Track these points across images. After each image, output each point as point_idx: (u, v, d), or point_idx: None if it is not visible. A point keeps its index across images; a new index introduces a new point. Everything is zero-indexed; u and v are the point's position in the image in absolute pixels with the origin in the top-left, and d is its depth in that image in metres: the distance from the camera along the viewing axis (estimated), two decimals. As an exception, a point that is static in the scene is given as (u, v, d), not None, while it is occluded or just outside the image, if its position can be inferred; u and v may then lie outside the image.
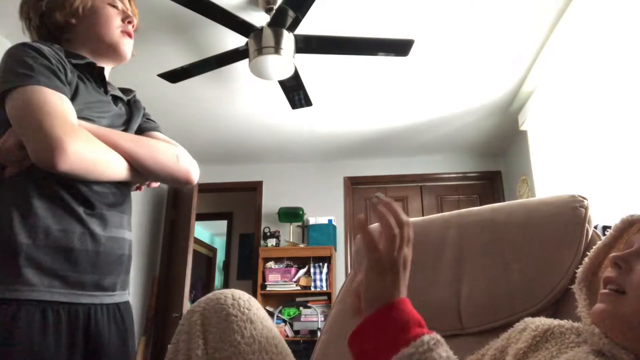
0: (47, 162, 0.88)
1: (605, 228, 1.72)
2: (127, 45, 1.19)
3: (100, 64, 1.15)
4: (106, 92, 1.14)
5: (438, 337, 0.56)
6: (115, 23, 1.16)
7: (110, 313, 1.04)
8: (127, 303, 1.13)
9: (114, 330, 1.04)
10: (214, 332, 0.79)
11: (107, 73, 1.18)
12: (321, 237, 4.25)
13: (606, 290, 0.61)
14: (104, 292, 1.02)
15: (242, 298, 0.84)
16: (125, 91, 1.25)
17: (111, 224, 1.05)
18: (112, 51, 1.17)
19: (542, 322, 0.73)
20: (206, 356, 0.77)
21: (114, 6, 1.17)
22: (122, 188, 1.10)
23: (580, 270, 0.69)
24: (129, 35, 1.19)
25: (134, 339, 1.13)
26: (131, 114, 1.19)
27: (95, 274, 1.00)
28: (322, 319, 3.94)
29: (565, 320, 0.72)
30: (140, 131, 1.21)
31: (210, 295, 0.85)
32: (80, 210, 0.99)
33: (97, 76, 1.13)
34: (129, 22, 1.19)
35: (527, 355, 0.69)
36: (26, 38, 1.15)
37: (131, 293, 4.06)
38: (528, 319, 0.77)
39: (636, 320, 0.57)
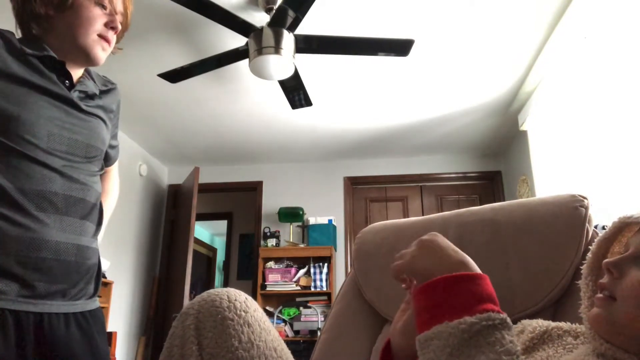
0: None
1: (605, 228, 1.72)
2: (101, 51, 1.11)
3: (68, 63, 1.10)
4: (70, 87, 1.09)
5: (508, 320, 0.53)
6: (95, 27, 1.08)
7: (71, 321, 1.02)
8: (94, 311, 1.10)
9: (77, 339, 1.01)
10: (210, 337, 0.74)
11: (77, 70, 1.13)
12: (321, 237, 4.25)
13: (600, 296, 0.61)
14: (56, 300, 1.00)
15: (239, 299, 0.79)
16: (107, 84, 1.22)
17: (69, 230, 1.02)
18: (82, 55, 1.10)
19: (540, 324, 0.73)
20: None
21: (102, 5, 1.09)
22: (76, 191, 1.06)
23: (585, 266, 0.69)
24: (107, 41, 1.12)
25: (105, 346, 1.10)
26: (100, 112, 1.15)
27: (50, 282, 0.98)
28: (322, 319, 3.94)
29: (564, 322, 0.72)
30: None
31: (204, 295, 0.80)
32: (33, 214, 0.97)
33: (60, 70, 1.07)
34: (112, 28, 1.11)
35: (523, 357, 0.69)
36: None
37: (131, 293, 4.06)
38: (525, 321, 0.76)
39: (628, 327, 0.57)
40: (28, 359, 0.93)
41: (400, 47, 2.45)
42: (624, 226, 0.66)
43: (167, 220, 4.69)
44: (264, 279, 4.15)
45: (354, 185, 4.71)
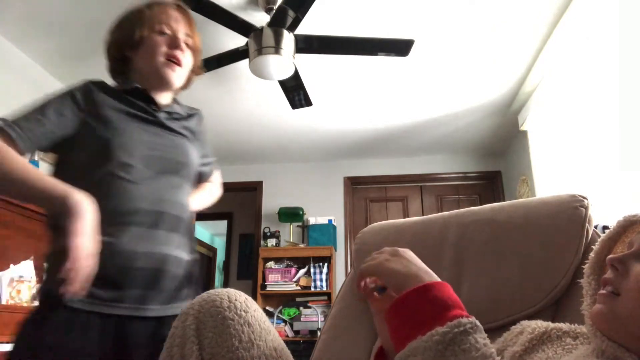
0: None
1: (605, 228, 1.72)
2: (171, 73, 1.21)
3: (155, 92, 1.22)
4: (154, 110, 1.21)
5: (477, 323, 0.54)
6: (160, 50, 1.19)
7: (149, 326, 1.08)
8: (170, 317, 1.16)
9: (151, 343, 1.07)
10: (210, 337, 0.74)
11: (164, 97, 1.25)
12: (321, 237, 4.25)
13: (604, 292, 0.61)
14: (138, 304, 1.07)
15: (239, 299, 0.79)
16: (191, 110, 1.35)
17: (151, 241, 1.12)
18: (157, 79, 1.21)
19: (539, 324, 0.73)
20: None
21: (162, 33, 1.20)
22: (166, 208, 1.15)
23: (587, 265, 0.69)
24: (176, 60, 1.21)
25: None
26: (187, 134, 1.27)
27: (142, 288, 1.08)
28: (322, 319, 3.94)
29: (564, 323, 0.72)
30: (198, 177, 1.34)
31: (204, 296, 0.80)
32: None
33: (146, 98, 1.21)
34: (176, 47, 1.20)
35: (522, 358, 0.69)
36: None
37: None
38: (524, 322, 0.76)
39: (631, 322, 0.57)
40: None
41: (400, 47, 2.45)
42: (628, 225, 0.66)
43: (167, 220, 4.68)
44: (264, 279, 4.15)
45: (354, 185, 4.71)
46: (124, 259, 1.05)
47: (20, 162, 0.99)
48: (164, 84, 1.22)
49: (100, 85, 1.19)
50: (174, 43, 1.21)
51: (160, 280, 1.10)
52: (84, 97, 1.14)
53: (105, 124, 1.12)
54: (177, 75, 1.23)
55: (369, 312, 1.10)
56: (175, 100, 1.32)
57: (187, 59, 1.24)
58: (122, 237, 1.06)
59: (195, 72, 1.32)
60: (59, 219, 0.98)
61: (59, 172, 1.13)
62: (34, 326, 0.99)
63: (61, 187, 0.99)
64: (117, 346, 1.03)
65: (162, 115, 1.22)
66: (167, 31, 1.21)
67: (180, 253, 1.16)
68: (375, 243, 1.16)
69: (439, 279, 0.61)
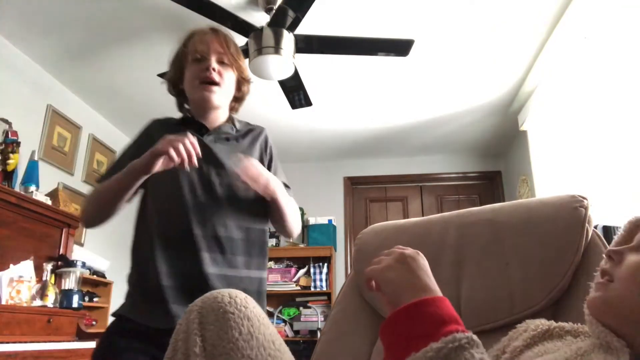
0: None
1: (605, 228, 1.72)
2: (207, 94, 1.29)
3: (206, 116, 1.33)
4: (202, 135, 1.30)
5: (474, 337, 0.53)
6: (194, 76, 1.29)
7: None
8: None
9: None
10: (212, 329, 0.78)
11: (216, 118, 1.35)
12: (321, 237, 4.25)
13: (601, 280, 0.64)
14: None
15: (239, 297, 0.84)
16: (247, 126, 1.44)
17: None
18: (199, 102, 1.31)
19: (543, 322, 0.75)
20: (204, 353, 0.77)
21: (195, 60, 1.30)
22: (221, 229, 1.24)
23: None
24: (210, 81, 1.28)
25: None
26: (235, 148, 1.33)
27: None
28: (322, 319, 3.94)
29: (567, 323, 0.73)
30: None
31: (207, 294, 0.85)
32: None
33: (195, 124, 1.32)
34: (206, 69, 1.28)
35: (522, 352, 0.71)
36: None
37: (131, 293, 4.06)
38: (529, 320, 0.78)
39: (622, 306, 0.59)
40: None
41: (400, 47, 2.45)
42: (634, 228, 0.68)
43: (167, 220, 4.69)
44: (264, 279, 4.15)
45: (354, 185, 4.71)
46: (170, 280, 1.16)
47: (110, 178, 1.23)
48: (205, 105, 1.30)
49: (162, 121, 1.35)
50: (204, 66, 1.28)
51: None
52: (145, 137, 1.30)
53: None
54: (216, 95, 1.30)
55: (369, 312, 1.10)
56: (230, 119, 1.40)
57: (224, 76, 1.31)
58: (169, 260, 1.17)
59: (242, 83, 1.41)
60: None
61: (141, 205, 1.29)
62: (108, 334, 1.23)
63: (137, 160, 1.17)
64: None
65: (208, 139, 1.29)
66: (198, 56, 1.30)
67: (242, 273, 1.24)
68: (376, 244, 1.16)
69: (439, 294, 0.60)
